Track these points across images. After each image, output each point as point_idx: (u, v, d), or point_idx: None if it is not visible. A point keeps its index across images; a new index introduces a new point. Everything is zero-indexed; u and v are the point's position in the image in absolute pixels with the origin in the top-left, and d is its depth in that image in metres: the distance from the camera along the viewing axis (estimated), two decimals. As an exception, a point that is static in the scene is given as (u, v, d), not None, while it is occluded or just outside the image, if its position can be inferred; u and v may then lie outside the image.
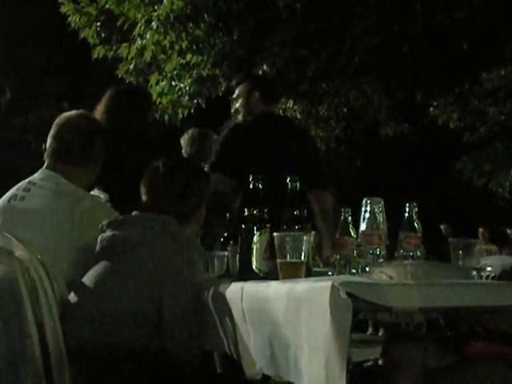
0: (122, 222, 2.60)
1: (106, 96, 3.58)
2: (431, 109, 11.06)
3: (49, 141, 2.93)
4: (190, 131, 4.97)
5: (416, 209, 2.38)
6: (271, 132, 4.11)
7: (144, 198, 2.69)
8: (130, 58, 9.25)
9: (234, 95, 4.29)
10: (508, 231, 11.28)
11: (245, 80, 4.32)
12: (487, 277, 2.31)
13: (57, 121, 2.95)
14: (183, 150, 4.84)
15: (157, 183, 2.67)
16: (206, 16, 8.94)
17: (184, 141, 4.93)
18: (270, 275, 2.39)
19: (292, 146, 4.07)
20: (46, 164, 2.91)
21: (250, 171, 2.58)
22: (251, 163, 3.72)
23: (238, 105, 4.23)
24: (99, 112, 3.45)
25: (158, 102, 9.46)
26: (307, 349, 1.83)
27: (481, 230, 10.89)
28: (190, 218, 2.68)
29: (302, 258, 2.27)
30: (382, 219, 2.37)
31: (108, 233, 2.58)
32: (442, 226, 11.52)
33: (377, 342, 6.87)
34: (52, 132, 2.92)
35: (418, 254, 2.36)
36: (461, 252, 2.33)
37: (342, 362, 1.72)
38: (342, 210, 2.47)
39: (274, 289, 2.08)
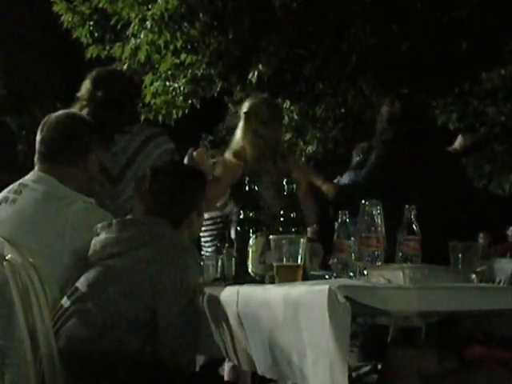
0: (116, 224, 2.56)
1: None
2: (430, 109, 11.01)
3: (37, 143, 2.90)
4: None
5: (415, 211, 2.36)
6: None
7: (137, 202, 2.67)
8: (123, 57, 9.21)
9: None
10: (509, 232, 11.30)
11: None
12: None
13: (42, 122, 2.92)
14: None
15: (147, 187, 2.65)
16: (201, 15, 8.89)
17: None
18: (266, 279, 2.37)
19: None
20: (37, 166, 2.87)
21: None
22: None
23: None
24: None
25: (152, 103, 9.43)
26: (310, 353, 1.82)
27: (481, 234, 10.85)
28: (181, 222, 2.65)
29: (299, 261, 2.24)
30: (380, 222, 2.34)
31: (101, 236, 2.55)
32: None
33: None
34: (39, 134, 2.90)
35: (417, 257, 2.34)
36: (460, 255, 2.30)
37: (343, 366, 1.72)
38: (340, 212, 2.45)
39: (271, 293, 2.06)
